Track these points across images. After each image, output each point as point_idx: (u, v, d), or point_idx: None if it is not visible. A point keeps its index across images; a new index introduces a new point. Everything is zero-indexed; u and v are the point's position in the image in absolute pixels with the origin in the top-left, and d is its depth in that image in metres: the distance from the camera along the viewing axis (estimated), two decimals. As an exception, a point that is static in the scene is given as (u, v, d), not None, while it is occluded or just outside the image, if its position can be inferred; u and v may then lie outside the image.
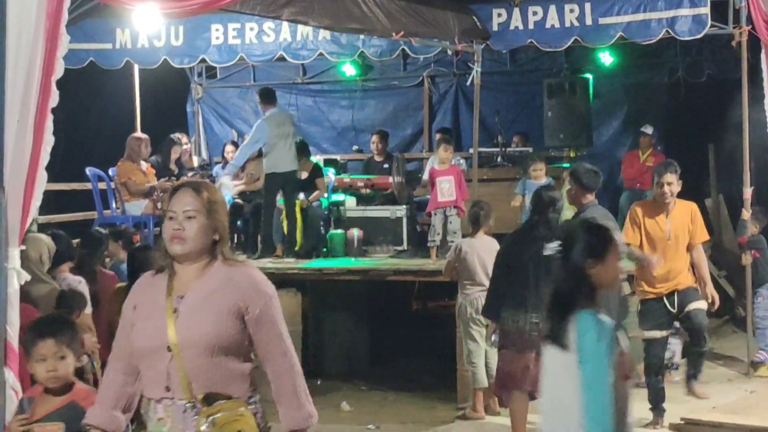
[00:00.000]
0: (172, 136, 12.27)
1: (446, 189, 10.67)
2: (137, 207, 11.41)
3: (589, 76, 13.23)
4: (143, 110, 12.83)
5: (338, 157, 13.81)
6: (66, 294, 6.48)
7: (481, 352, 8.64)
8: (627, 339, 3.92)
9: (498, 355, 7.11)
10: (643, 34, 10.03)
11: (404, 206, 11.86)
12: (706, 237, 7.66)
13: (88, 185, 11.72)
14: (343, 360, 11.76)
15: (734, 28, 9.66)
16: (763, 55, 9.69)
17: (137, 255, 6.89)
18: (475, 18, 10.33)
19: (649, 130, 12.82)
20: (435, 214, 10.77)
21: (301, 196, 11.69)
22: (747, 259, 9.58)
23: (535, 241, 6.87)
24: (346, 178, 12.66)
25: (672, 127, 13.65)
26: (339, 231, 11.82)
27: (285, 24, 11.05)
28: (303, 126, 14.79)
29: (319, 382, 11.21)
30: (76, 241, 7.86)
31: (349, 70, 14.15)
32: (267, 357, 3.65)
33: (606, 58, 13.28)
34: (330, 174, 12.56)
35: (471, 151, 11.89)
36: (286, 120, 11.28)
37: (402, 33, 9.52)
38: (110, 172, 11.59)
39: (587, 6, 10.13)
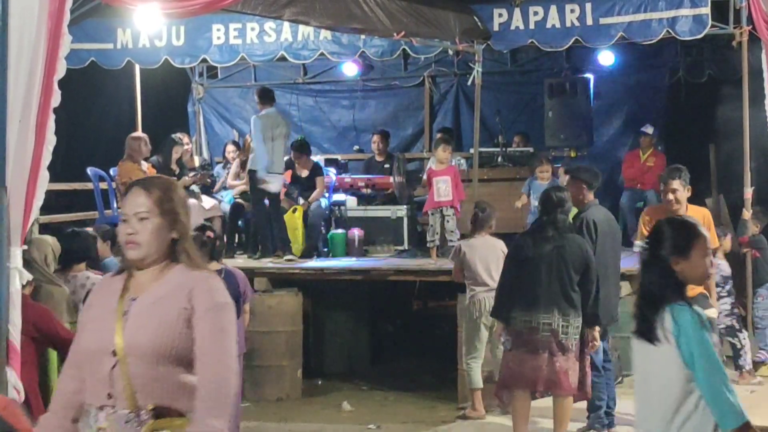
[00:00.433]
0: (173, 135, 12.26)
1: (443, 189, 10.67)
2: (138, 207, 11.39)
3: (589, 76, 13.22)
4: (144, 110, 12.83)
5: (339, 157, 13.81)
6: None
7: (480, 354, 8.64)
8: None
9: (506, 356, 7.11)
10: (643, 34, 10.03)
11: (405, 206, 11.87)
12: (717, 244, 7.62)
13: (90, 185, 11.73)
14: (343, 360, 11.76)
15: (735, 28, 9.67)
16: (763, 55, 9.70)
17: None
18: (475, 18, 10.33)
19: (649, 130, 12.83)
20: (432, 214, 10.78)
21: (300, 200, 11.71)
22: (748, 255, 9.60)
23: (545, 241, 6.90)
24: (347, 178, 12.67)
25: (672, 127, 13.65)
26: (340, 231, 11.83)
27: (286, 24, 11.05)
28: (304, 126, 14.80)
29: (320, 382, 11.23)
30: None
31: (350, 69, 14.15)
32: (203, 367, 3.31)
33: (607, 58, 13.27)
34: (331, 174, 12.57)
35: (472, 151, 11.90)
36: (278, 122, 11.24)
37: (403, 33, 9.53)
38: (111, 171, 11.60)
39: (588, 6, 10.14)
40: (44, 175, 5.25)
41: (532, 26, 10.42)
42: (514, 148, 13.11)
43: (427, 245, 10.93)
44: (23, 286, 5.86)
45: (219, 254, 7.54)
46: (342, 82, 14.89)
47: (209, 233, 7.30)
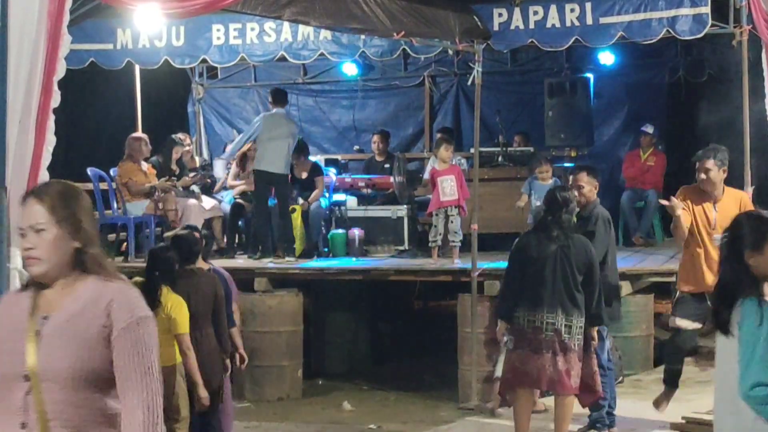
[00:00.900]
0: (173, 136, 12.27)
1: (448, 189, 10.68)
2: (138, 207, 11.42)
3: (589, 75, 13.24)
4: (144, 110, 12.84)
5: (339, 157, 13.83)
6: None
7: None
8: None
9: (509, 356, 7.11)
10: (643, 33, 10.02)
11: (405, 206, 11.87)
12: None
13: (90, 185, 11.72)
14: (344, 360, 11.77)
15: (735, 27, 9.66)
16: (763, 55, 9.68)
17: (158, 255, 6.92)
18: (475, 18, 10.32)
19: (649, 129, 12.84)
20: (437, 214, 10.78)
21: (300, 200, 11.72)
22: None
23: (549, 241, 6.90)
24: (347, 178, 12.68)
25: (673, 126, 13.66)
26: (340, 231, 11.83)
27: (286, 24, 11.05)
28: (304, 126, 14.80)
29: (320, 382, 11.24)
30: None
31: (349, 70, 14.15)
32: (125, 387, 3.01)
33: (607, 58, 13.28)
34: (331, 174, 12.57)
35: (472, 150, 11.90)
36: (283, 123, 11.30)
37: (403, 33, 9.51)
38: (111, 172, 11.60)
39: (588, 6, 10.12)
40: (44, 175, 5.24)
41: (532, 26, 10.41)
42: (515, 147, 13.12)
43: (429, 245, 10.93)
44: None
45: (207, 254, 7.55)
46: (342, 82, 14.90)
47: (196, 233, 7.34)
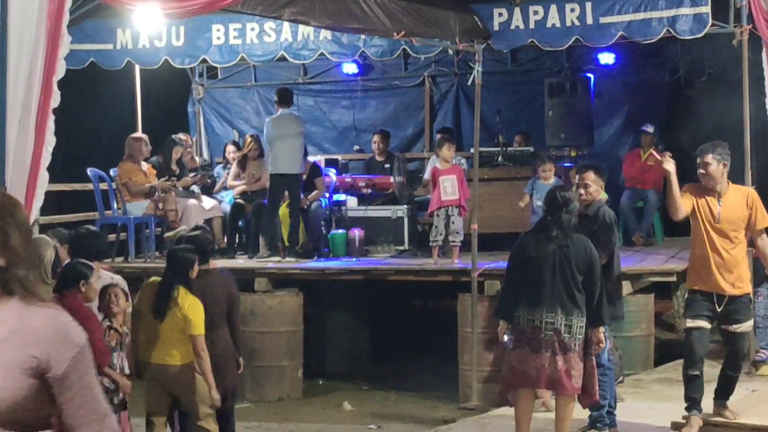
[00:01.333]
0: (173, 136, 12.27)
1: (449, 188, 10.68)
2: (138, 207, 11.42)
3: (590, 75, 13.23)
4: (144, 111, 12.84)
5: (339, 157, 13.82)
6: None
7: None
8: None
9: (509, 355, 7.10)
10: (643, 33, 10.02)
11: (405, 206, 11.88)
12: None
13: (90, 186, 11.73)
14: (344, 360, 11.77)
15: (735, 27, 9.65)
16: (763, 54, 9.69)
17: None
18: (475, 17, 10.32)
19: (650, 129, 12.83)
20: (438, 214, 10.77)
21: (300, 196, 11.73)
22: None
23: (549, 241, 6.90)
24: (348, 178, 12.68)
25: (673, 126, 13.64)
26: (340, 231, 11.84)
27: (286, 24, 11.05)
28: (304, 126, 14.80)
29: (320, 382, 11.24)
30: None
31: (349, 69, 14.15)
32: (78, 425, 2.67)
33: (607, 58, 13.28)
34: (331, 174, 12.57)
35: (472, 150, 11.90)
36: (290, 122, 11.34)
37: (403, 33, 9.51)
38: (111, 172, 11.60)
39: (588, 5, 10.12)
40: (44, 175, 5.25)
41: (532, 26, 10.41)
42: (515, 147, 13.12)
43: (430, 245, 10.92)
44: (82, 284, 5.98)
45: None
46: (342, 82, 14.89)
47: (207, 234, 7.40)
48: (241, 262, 11.42)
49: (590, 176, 7.51)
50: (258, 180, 12.18)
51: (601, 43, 10.65)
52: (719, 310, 7.07)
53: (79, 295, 6.28)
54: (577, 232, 7.04)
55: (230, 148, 13.15)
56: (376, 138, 13.27)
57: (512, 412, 7.18)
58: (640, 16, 9.95)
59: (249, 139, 12.62)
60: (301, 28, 11.17)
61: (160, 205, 11.40)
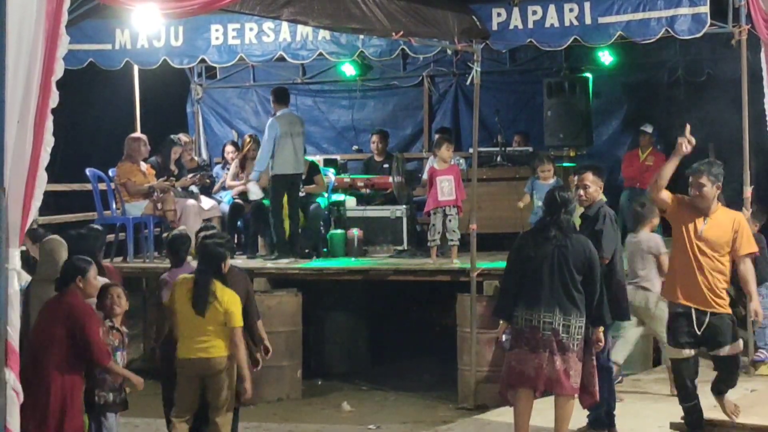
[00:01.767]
0: (172, 136, 12.27)
1: (447, 188, 10.69)
2: (137, 208, 11.42)
3: (588, 75, 13.23)
4: (143, 111, 12.84)
5: (338, 157, 13.81)
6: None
7: (627, 338, 8.66)
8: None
9: (508, 355, 7.11)
10: (642, 33, 10.02)
11: (404, 206, 11.88)
12: (754, 249, 7.12)
13: (88, 186, 11.73)
14: (343, 360, 11.77)
15: (734, 26, 9.66)
16: (762, 54, 9.69)
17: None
18: (474, 17, 10.32)
19: (648, 129, 12.84)
20: (435, 214, 10.78)
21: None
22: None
23: (547, 241, 6.90)
24: (346, 178, 12.67)
25: (672, 126, 13.63)
26: (339, 231, 11.83)
27: (284, 24, 11.04)
28: (303, 126, 14.79)
29: (319, 383, 11.24)
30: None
31: (348, 70, 14.15)
32: None
33: (605, 58, 13.27)
34: (330, 174, 12.57)
35: (471, 150, 11.89)
36: (295, 121, 11.34)
37: (401, 33, 9.51)
38: (110, 172, 11.60)
39: (587, 5, 10.12)
40: (42, 175, 5.24)
41: (530, 25, 10.41)
42: (514, 147, 13.11)
43: (428, 245, 10.93)
44: (78, 279, 6.16)
45: None
46: (341, 82, 14.89)
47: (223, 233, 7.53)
48: (239, 262, 11.40)
49: (589, 177, 7.50)
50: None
51: (599, 43, 10.66)
52: (699, 333, 6.90)
53: (78, 291, 6.31)
54: (575, 233, 7.04)
55: (229, 148, 13.14)
56: (374, 138, 13.26)
57: (511, 412, 7.17)
58: (639, 16, 9.95)
59: (248, 140, 12.61)
60: (300, 28, 11.16)
61: (159, 206, 11.40)
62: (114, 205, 11.65)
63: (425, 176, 11.55)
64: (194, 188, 12.08)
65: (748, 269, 7.03)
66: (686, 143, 6.82)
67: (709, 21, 9.69)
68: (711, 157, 12.08)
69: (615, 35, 10.09)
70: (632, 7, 9.97)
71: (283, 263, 11.05)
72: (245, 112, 15.32)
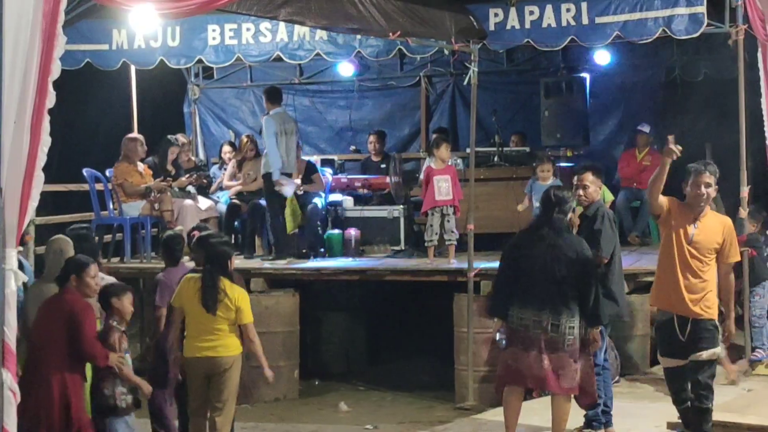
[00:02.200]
0: (169, 136, 12.27)
1: (444, 188, 10.70)
2: (134, 208, 11.42)
3: (585, 75, 13.24)
4: (140, 111, 12.83)
5: (335, 157, 13.81)
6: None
7: None
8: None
9: (503, 354, 7.11)
10: (639, 33, 10.02)
11: (401, 206, 11.88)
12: (738, 257, 7.06)
13: (85, 186, 11.73)
14: (341, 360, 11.77)
15: (731, 26, 9.66)
16: (759, 54, 9.69)
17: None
18: (471, 18, 10.33)
19: (646, 129, 12.85)
20: (432, 214, 10.78)
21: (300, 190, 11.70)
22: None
23: (539, 240, 6.90)
24: (344, 178, 12.68)
25: (669, 125, 13.64)
26: (336, 231, 11.84)
27: (282, 24, 11.05)
28: (300, 126, 14.77)
29: (317, 383, 11.24)
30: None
31: (345, 70, 14.14)
32: None
33: (603, 57, 13.28)
34: (327, 174, 12.57)
35: (468, 150, 11.90)
36: (288, 120, 11.32)
37: (399, 33, 9.52)
38: (107, 173, 11.60)
39: (584, 5, 10.12)
40: (39, 176, 5.24)
41: (527, 26, 10.41)
42: (511, 147, 13.12)
43: (426, 245, 10.93)
44: (73, 278, 6.24)
45: None
46: (338, 82, 14.89)
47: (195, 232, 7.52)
48: (237, 262, 11.38)
49: (588, 177, 7.49)
50: (254, 180, 12.16)
51: (596, 43, 10.66)
52: (683, 339, 6.75)
53: (74, 289, 6.33)
54: (569, 232, 7.04)
55: (226, 148, 13.15)
56: (372, 138, 13.27)
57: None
58: (636, 16, 9.96)
59: (245, 140, 12.61)
60: (297, 28, 11.17)
61: (156, 206, 11.39)
62: (111, 206, 11.64)
63: (423, 176, 11.55)
64: (191, 188, 12.07)
65: (730, 282, 6.89)
66: (674, 153, 6.64)
67: (706, 21, 9.70)
68: (707, 158, 12.19)
69: (612, 35, 10.09)
70: (629, 7, 9.97)
71: (281, 263, 11.05)
72: (242, 113, 15.32)
